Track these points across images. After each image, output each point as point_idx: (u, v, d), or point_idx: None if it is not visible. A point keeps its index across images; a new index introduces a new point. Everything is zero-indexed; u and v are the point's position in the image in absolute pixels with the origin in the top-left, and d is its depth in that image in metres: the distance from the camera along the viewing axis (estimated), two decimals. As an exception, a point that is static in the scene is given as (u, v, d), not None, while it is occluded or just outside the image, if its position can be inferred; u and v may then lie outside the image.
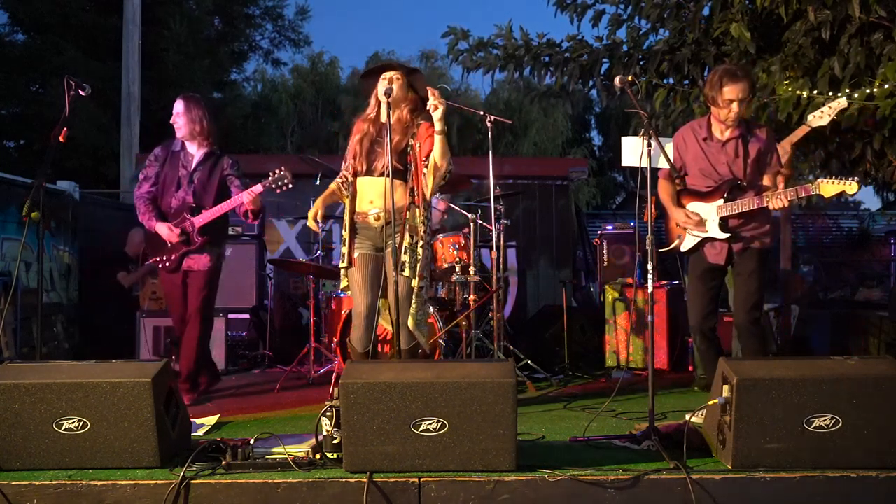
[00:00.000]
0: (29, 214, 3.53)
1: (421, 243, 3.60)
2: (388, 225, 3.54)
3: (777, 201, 3.54)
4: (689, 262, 4.02)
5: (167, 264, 4.36)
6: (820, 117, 3.71)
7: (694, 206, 3.85)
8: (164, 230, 4.30)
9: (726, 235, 3.75)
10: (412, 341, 3.67)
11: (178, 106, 4.37)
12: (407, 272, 3.57)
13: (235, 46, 14.74)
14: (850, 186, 3.39)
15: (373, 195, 3.57)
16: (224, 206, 4.27)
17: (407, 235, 3.59)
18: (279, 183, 4.15)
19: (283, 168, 4.19)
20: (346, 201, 3.70)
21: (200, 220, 4.28)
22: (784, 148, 4.11)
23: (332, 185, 3.76)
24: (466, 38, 6.00)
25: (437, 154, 3.48)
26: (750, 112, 3.97)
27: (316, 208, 3.74)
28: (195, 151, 4.39)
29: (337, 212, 7.55)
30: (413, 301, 3.62)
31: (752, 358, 3.66)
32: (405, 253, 3.58)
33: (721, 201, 3.74)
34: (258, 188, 4.18)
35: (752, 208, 3.66)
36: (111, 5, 11.04)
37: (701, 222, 3.80)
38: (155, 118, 10.28)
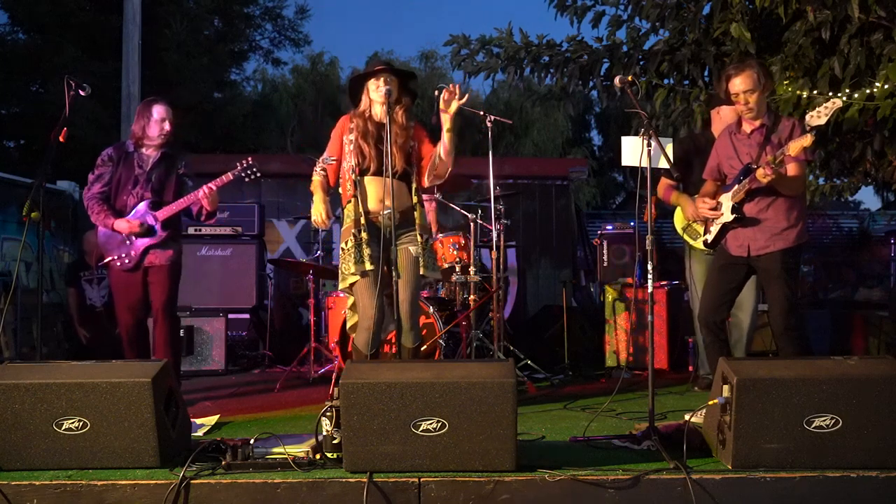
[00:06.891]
0: (29, 214, 3.53)
1: (430, 241, 3.77)
2: (397, 226, 3.60)
3: (760, 171, 3.53)
4: (715, 254, 4.00)
5: (126, 262, 4.24)
6: (818, 117, 3.71)
7: (721, 198, 3.86)
8: (124, 225, 4.21)
9: (733, 216, 3.74)
10: (416, 341, 3.69)
11: (166, 112, 4.33)
12: (428, 273, 3.70)
13: (235, 46, 14.71)
14: (806, 139, 3.41)
15: (383, 195, 3.59)
16: (189, 199, 4.25)
17: (420, 234, 3.69)
18: (247, 172, 4.21)
19: (250, 159, 4.26)
20: (352, 201, 3.70)
21: (164, 213, 4.26)
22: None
23: (317, 179, 3.75)
24: (468, 44, 6.01)
25: (443, 151, 3.60)
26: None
27: (322, 208, 3.72)
28: (150, 153, 4.36)
29: (337, 211, 7.58)
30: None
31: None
32: (424, 251, 3.69)
33: (736, 186, 3.75)
34: (226, 177, 4.20)
35: (750, 187, 3.64)
36: (111, 5, 11.01)
37: (717, 210, 3.82)
38: (154, 118, 10.22)
